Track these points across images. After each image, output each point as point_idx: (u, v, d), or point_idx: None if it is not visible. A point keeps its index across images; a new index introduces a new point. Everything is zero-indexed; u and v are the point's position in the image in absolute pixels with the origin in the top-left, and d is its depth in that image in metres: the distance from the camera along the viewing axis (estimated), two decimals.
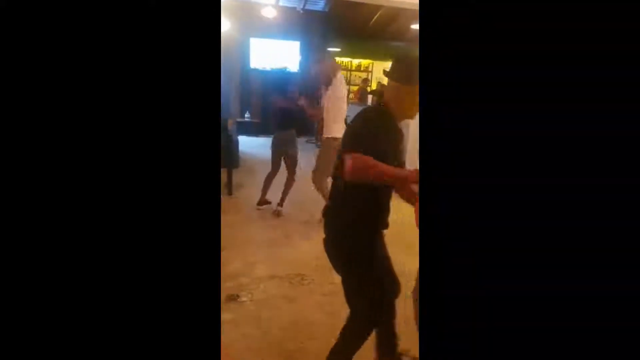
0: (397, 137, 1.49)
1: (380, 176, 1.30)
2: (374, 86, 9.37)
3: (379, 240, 1.54)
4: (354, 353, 1.55)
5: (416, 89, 1.32)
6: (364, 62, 9.80)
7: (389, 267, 1.58)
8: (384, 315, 1.56)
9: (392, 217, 1.55)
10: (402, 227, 2.16)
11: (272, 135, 3.93)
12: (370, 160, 1.26)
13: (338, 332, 1.58)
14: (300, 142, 4.08)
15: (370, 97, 8.30)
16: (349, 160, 1.28)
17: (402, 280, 1.65)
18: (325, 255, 1.58)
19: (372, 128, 1.39)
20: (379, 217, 1.48)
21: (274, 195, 3.96)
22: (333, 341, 1.75)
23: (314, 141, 8.11)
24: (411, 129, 4.67)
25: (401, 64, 1.44)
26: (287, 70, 8.34)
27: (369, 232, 1.48)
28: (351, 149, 1.30)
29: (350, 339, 1.54)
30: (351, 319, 1.55)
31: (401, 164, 1.54)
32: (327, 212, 1.53)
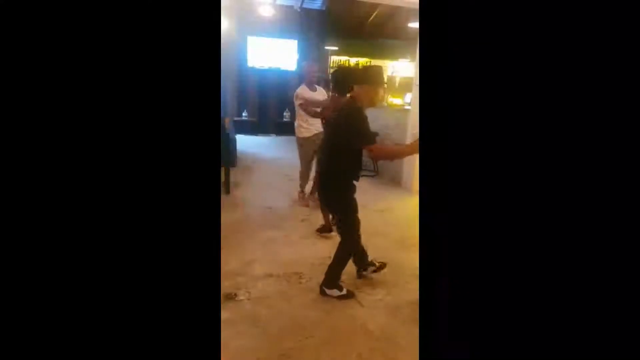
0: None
1: (398, 155, 2.50)
2: None
3: (354, 189, 2.33)
4: (342, 270, 2.36)
5: (375, 87, 2.20)
6: (362, 60, 9.79)
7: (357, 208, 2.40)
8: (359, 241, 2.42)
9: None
10: (391, 227, 2.16)
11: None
12: (386, 147, 2.21)
13: (335, 330, 1.88)
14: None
15: None
16: (376, 152, 2.17)
17: (399, 270, 2.33)
18: (323, 254, 2.15)
19: (363, 115, 2.15)
20: (354, 173, 2.29)
21: (267, 199, 3.95)
22: (331, 340, 1.76)
23: None
24: (409, 127, 4.68)
25: (364, 73, 2.36)
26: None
27: (348, 184, 2.29)
28: (366, 142, 2.13)
29: (340, 259, 2.34)
30: (341, 244, 2.35)
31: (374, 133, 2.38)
32: (319, 177, 2.45)
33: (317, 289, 2.34)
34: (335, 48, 9.26)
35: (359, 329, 2.09)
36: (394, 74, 10.37)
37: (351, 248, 2.37)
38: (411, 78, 5.61)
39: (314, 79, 3.77)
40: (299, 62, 8.32)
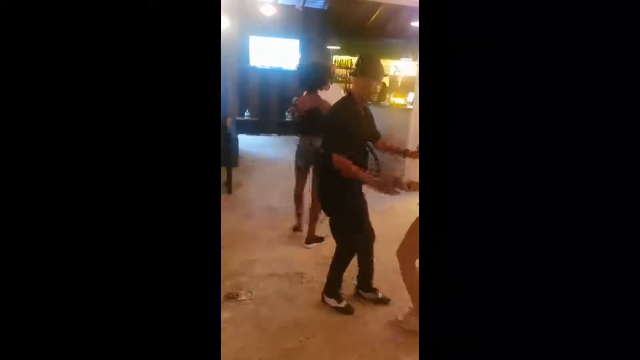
0: (364, 115, 2.14)
1: (354, 176, 2.01)
2: None
3: (353, 190, 2.15)
4: (341, 276, 2.25)
5: (370, 80, 2.00)
6: None
7: (364, 215, 2.27)
8: (359, 247, 2.24)
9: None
10: (393, 228, 2.15)
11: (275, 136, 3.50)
12: (346, 163, 1.97)
13: (336, 331, 1.90)
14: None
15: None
16: (335, 161, 1.98)
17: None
18: (325, 254, 2.13)
19: (339, 118, 2.02)
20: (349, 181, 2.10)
21: (269, 198, 3.94)
22: (332, 340, 1.75)
23: None
24: (411, 126, 4.67)
25: (359, 63, 2.06)
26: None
27: (341, 185, 2.09)
28: (331, 145, 2.01)
29: (337, 264, 2.23)
30: (337, 250, 2.24)
31: (376, 136, 2.26)
32: (316, 182, 2.40)
33: (319, 289, 2.34)
34: (337, 47, 9.25)
35: (361, 329, 2.08)
36: (396, 74, 10.35)
37: (348, 253, 2.22)
38: (413, 77, 5.59)
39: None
40: (300, 62, 8.30)
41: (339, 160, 1.96)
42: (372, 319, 2.18)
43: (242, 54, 8.12)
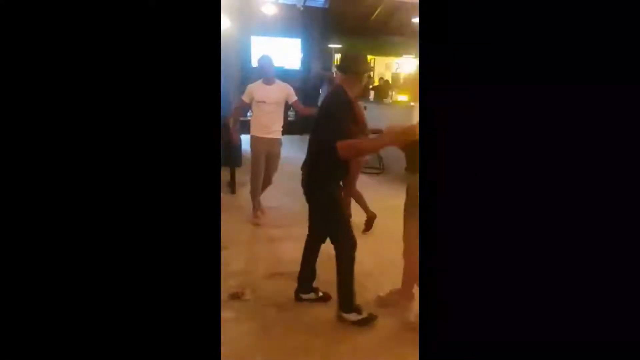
0: (356, 108, 2.19)
1: (370, 149, 2.19)
2: (376, 82, 9.32)
3: (339, 190, 2.14)
4: (352, 282, 2.06)
5: (355, 75, 2.05)
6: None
7: (349, 223, 2.17)
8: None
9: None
10: (396, 227, 2.14)
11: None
12: (353, 142, 1.92)
13: (340, 329, 1.89)
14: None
15: (372, 92, 8.27)
16: (342, 151, 1.86)
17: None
18: (328, 253, 2.05)
19: (334, 107, 1.99)
20: (339, 174, 2.09)
21: (272, 198, 3.94)
22: (337, 339, 1.74)
23: None
24: (415, 123, 4.64)
25: (344, 60, 2.19)
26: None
27: (334, 183, 2.09)
28: (332, 136, 1.88)
29: (344, 273, 2.04)
30: (338, 252, 2.06)
31: (365, 130, 2.35)
32: (305, 179, 2.15)
33: (323, 288, 2.32)
34: (339, 46, 9.24)
35: (366, 328, 2.07)
36: (398, 71, 10.32)
37: (350, 255, 2.05)
38: (416, 74, 5.53)
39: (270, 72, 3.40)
40: (302, 61, 8.30)
41: (346, 145, 1.86)
42: (378, 318, 2.16)
43: (244, 54, 8.12)
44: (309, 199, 2.16)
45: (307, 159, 2.14)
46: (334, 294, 2.16)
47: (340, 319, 2.07)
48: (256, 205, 3.49)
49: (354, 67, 2.06)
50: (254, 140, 3.41)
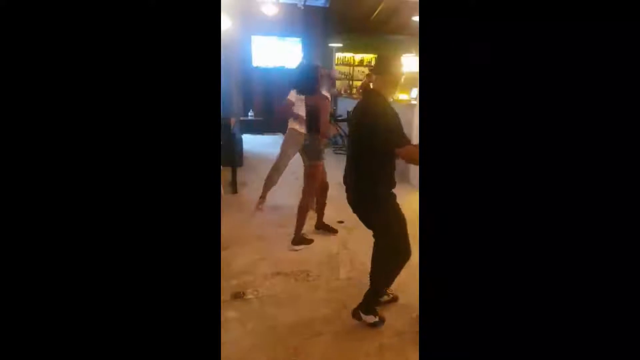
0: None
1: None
2: None
3: (394, 197, 2.03)
4: (389, 286, 2.11)
5: (392, 77, 2.04)
6: (367, 57, 9.73)
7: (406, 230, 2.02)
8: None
9: None
10: None
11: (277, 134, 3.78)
12: (412, 149, 1.83)
13: (343, 329, 1.89)
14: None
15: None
16: (404, 155, 1.85)
17: (410, 270, 1.96)
18: (330, 252, 2.19)
19: (387, 112, 1.92)
20: (390, 179, 2.00)
21: (274, 198, 3.94)
22: (339, 337, 1.73)
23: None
24: (415, 122, 4.64)
25: (380, 61, 2.12)
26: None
27: (386, 192, 1.99)
28: (400, 142, 1.86)
29: (388, 277, 2.04)
30: (390, 261, 2.00)
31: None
32: (349, 183, 2.09)
33: (325, 286, 2.32)
34: (340, 45, 9.22)
35: (368, 326, 2.07)
36: None
37: (402, 263, 1.99)
38: (417, 73, 5.53)
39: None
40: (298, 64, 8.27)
41: (409, 150, 1.81)
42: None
43: (245, 54, 8.12)
44: (366, 217, 2.04)
45: (353, 175, 2.03)
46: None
47: (356, 317, 2.08)
48: (264, 195, 3.71)
49: (391, 68, 2.03)
50: (293, 133, 3.55)
